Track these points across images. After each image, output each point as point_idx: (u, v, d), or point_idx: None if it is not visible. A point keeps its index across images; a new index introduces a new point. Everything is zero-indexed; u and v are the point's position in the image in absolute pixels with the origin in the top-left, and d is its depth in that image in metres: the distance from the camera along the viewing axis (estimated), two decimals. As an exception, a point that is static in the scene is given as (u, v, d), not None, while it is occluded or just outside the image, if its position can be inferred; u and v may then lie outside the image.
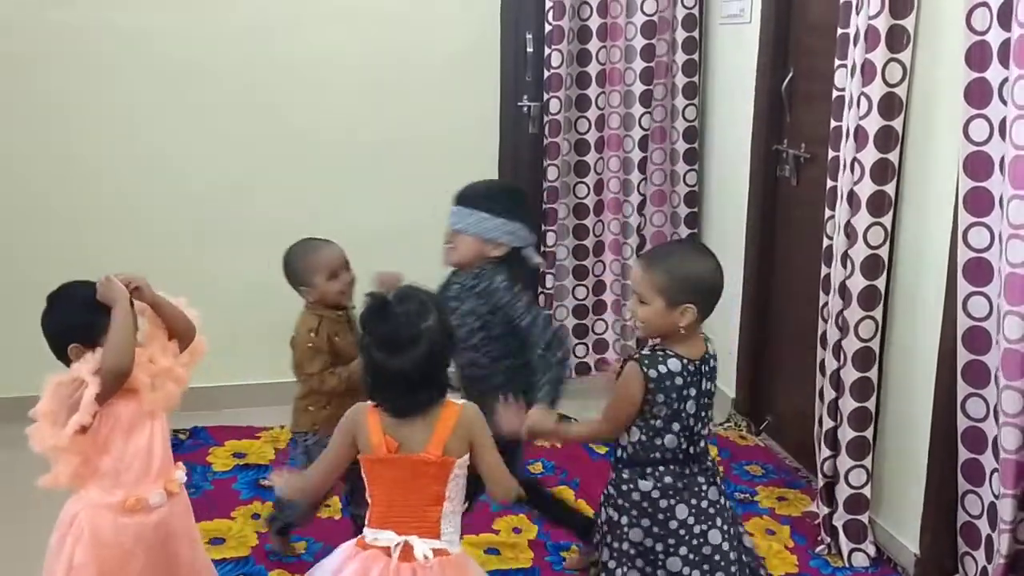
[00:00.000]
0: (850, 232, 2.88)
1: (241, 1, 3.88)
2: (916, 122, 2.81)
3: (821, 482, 3.08)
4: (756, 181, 3.80)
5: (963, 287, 2.49)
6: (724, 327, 4.10)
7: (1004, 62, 2.31)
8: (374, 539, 1.99)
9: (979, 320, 2.48)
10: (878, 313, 2.90)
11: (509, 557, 3.00)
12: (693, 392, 2.24)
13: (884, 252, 2.87)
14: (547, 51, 4.02)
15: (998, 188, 2.39)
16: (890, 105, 2.78)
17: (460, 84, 4.10)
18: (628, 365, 2.23)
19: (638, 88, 4.08)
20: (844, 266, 2.92)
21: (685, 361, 2.22)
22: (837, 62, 2.96)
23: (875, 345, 2.91)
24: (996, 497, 2.42)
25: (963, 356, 2.52)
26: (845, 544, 2.99)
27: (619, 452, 2.30)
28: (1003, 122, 2.32)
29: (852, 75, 2.84)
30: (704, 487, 2.28)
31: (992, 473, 2.47)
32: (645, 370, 2.18)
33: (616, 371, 2.32)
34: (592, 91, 4.11)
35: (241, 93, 3.93)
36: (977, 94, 2.40)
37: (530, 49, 4.15)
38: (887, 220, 2.85)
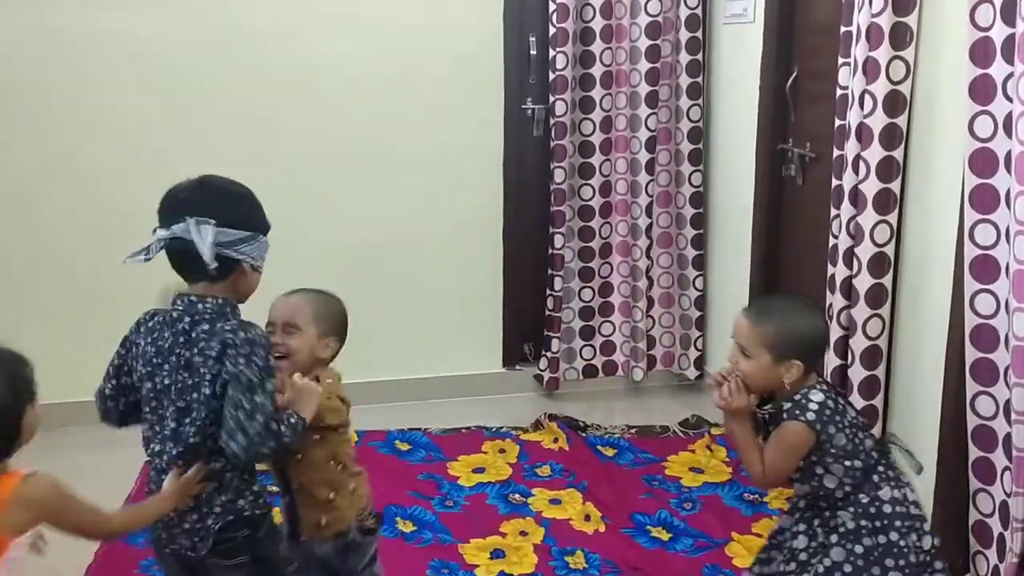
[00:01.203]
0: (856, 231, 2.88)
1: (244, 9, 3.89)
2: (920, 119, 2.80)
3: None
4: (761, 181, 3.79)
5: (970, 284, 2.48)
6: (731, 328, 4.09)
7: (1008, 58, 2.30)
8: None
9: (986, 318, 2.46)
10: (885, 311, 2.90)
11: (513, 561, 3.00)
12: (843, 400, 2.28)
13: (890, 250, 2.87)
14: (552, 53, 4.02)
15: (1004, 184, 2.38)
16: (894, 102, 2.78)
17: (464, 87, 4.11)
18: (784, 427, 2.17)
19: (644, 89, 4.08)
20: (850, 265, 2.91)
21: (819, 385, 2.24)
22: (840, 60, 2.95)
23: (882, 343, 2.91)
24: (1008, 495, 2.41)
25: (971, 354, 2.51)
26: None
27: (840, 492, 2.23)
28: (1008, 118, 2.31)
29: (855, 73, 2.84)
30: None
31: (1003, 471, 2.46)
32: (803, 418, 2.15)
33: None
34: (596, 93, 4.12)
35: (244, 101, 3.94)
36: (981, 90, 2.39)
37: (534, 52, 4.15)
38: (893, 218, 2.85)
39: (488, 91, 4.14)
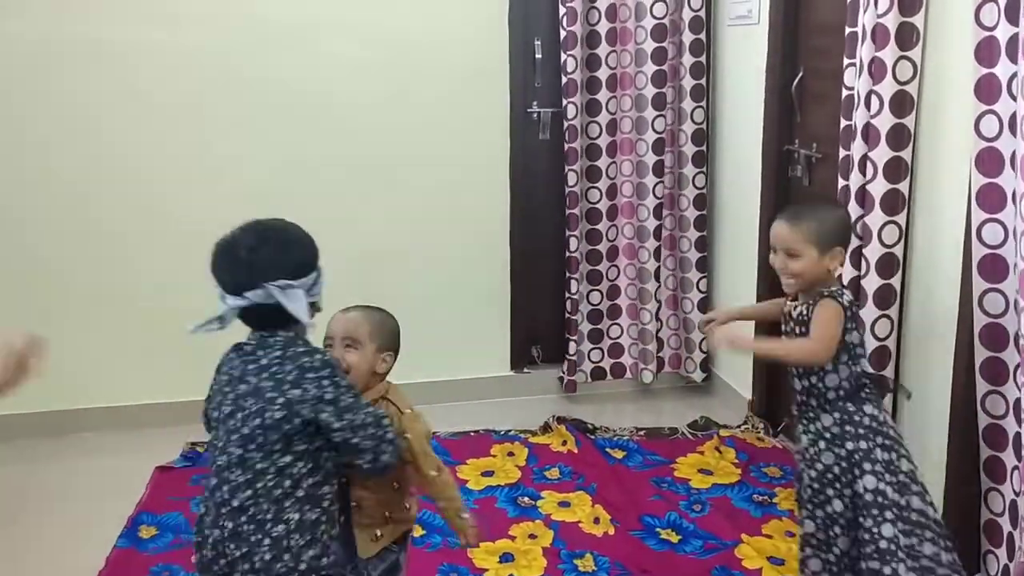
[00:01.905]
0: (864, 231, 2.88)
1: (251, 20, 3.90)
2: (928, 119, 2.81)
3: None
4: (768, 182, 3.80)
5: (978, 284, 2.48)
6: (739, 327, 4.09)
7: (1012, 57, 2.30)
8: None
9: (995, 317, 2.47)
10: (894, 312, 2.90)
11: (523, 564, 3.00)
12: (857, 323, 2.46)
13: (899, 250, 2.87)
14: (563, 57, 4.03)
15: (1010, 184, 2.38)
16: (901, 103, 2.78)
17: (470, 91, 4.12)
18: (823, 303, 2.36)
19: (650, 91, 4.09)
20: (858, 266, 2.91)
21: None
22: (846, 61, 2.95)
23: (892, 344, 2.91)
24: (1016, 495, 2.41)
25: (980, 353, 2.51)
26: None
27: (832, 394, 2.42)
28: (1012, 117, 2.32)
29: (861, 74, 2.84)
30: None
31: (1013, 470, 2.46)
32: (839, 299, 2.36)
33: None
34: (603, 96, 4.13)
35: (250, 111, 3.96)
36: (987, 90, 2.40)
37: (539, 55, 4.16)
38: (901, 218, 2.85)
39: (494, 95, 4.15)
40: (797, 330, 2.45)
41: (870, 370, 2.47)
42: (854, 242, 2.92)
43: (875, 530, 2.31)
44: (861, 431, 2.38)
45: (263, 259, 1.88)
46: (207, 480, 1.98)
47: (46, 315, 3.73)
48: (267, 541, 1.88)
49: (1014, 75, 2.30)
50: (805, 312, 2.42)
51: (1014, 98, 2.31)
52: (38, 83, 3.77)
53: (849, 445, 2.38)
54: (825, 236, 2.37)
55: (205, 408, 2.05)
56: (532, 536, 3.15)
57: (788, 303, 2.52)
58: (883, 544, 2.30)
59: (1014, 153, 2.32)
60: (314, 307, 1.97)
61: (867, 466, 2.35)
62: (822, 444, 2.42)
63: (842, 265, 2.44)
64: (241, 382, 1.92)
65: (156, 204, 3.91)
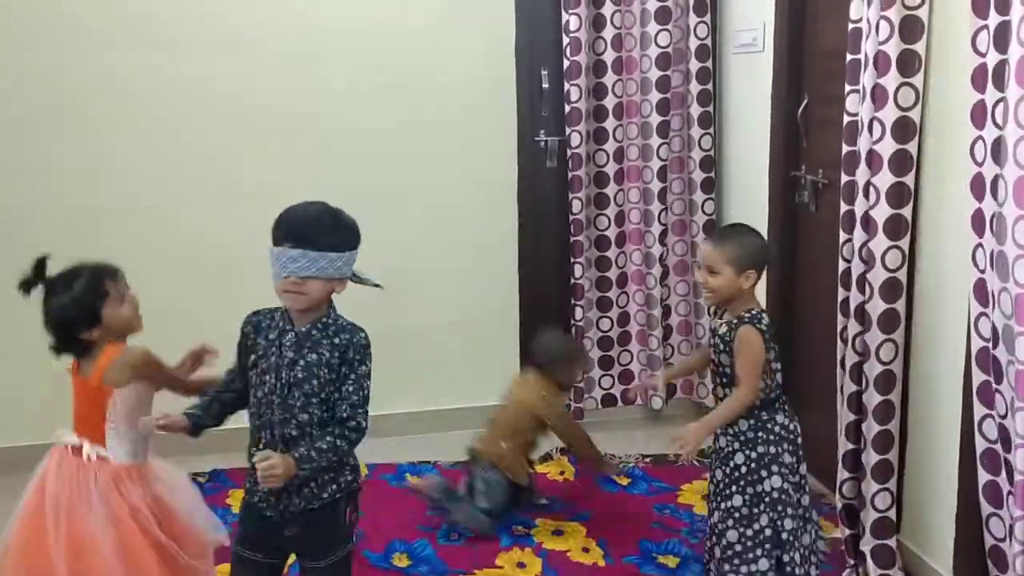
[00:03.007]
0: (867, 256, 2.89)
1: (256, 49, 3.95)
2: (931, 145, 2.82)
3: (839, 504, 3.07)
4: (775, 207, 3.81)
5: (974, 307, 2.49)
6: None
7: (997, 84, 2.32)
8: (57, 437, 2.49)
9: (987, 341, 2.47)
10: (899, 336, 2.90)
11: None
12: (773, 343, 2.73)
13: (903, 275, 2.87)
14: (566, 86, 4.07)
15: (989, 209, 2.39)
16: (904, 129, 2.80)
17: (478, 120, 4.16)
18: (743, 330, 2.65)
19: (655, 119, 4.12)
20: (862, 290, 2.92)
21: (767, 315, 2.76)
22: (848, 87, 2.98)
23: (897, 368, 2.91)
24: (1013, 519, 2.40)
25: (977, 377, 2.51)
26: (873, 569, 2.97)
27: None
28: (996, 142, 2.33)
29: (864, 100, 2.86)
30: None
31: (1008, 495, 2.44)
32: (760, 327, 2.65)
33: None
34: (610, 124, 4.16)
35: (254, 129, 4.00)
36: (979, 115, 2.41)
37: (546, 85, 4.20)
38: (904, 243, 2.86)
39: (501, 123, 4.19)
40: (721, 346, 2.72)
41: (779, 381, 2.75)
42: (859, 267, 2.93)
43: (778, 522, 2.65)
44: (772, 437, 2.68)
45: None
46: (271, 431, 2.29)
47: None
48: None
49: (997, 101, 2.31)
50: (727, 334, 2.69)
51: (996, 125, 2.32)
52: (44, 110, 3.83)
53: (760, 449, 2.67)
54: (742, 259, 2.66)
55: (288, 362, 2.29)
56: (521, 565, 3.16)
57: (713, 319, 2.85)
58: (784, 536, 2.65)
59: (995, 177, 2.34)
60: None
61: (775, 468, 2.66)
62: (736, 445, 2.70)
63: (755, 285, 2.72)
64: (313, 351, 2.28)
65: (163, 230, 3.95)
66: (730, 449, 2.71)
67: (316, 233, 2.26)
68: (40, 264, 2.42)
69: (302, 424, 2.23)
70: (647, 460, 3.91)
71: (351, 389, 2.24)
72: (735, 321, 2.68)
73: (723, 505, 2.71)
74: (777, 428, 2.69)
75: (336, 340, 2.26)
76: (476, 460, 3.47)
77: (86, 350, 2.44)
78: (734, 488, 2.69)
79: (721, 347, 2.72)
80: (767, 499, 2.65)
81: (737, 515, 2.67)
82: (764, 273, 2.77)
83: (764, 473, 2.66)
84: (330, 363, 2.23)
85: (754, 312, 2.69)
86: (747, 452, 2.68)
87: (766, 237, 3.83)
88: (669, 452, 2.70)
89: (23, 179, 3.85)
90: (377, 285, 2.43)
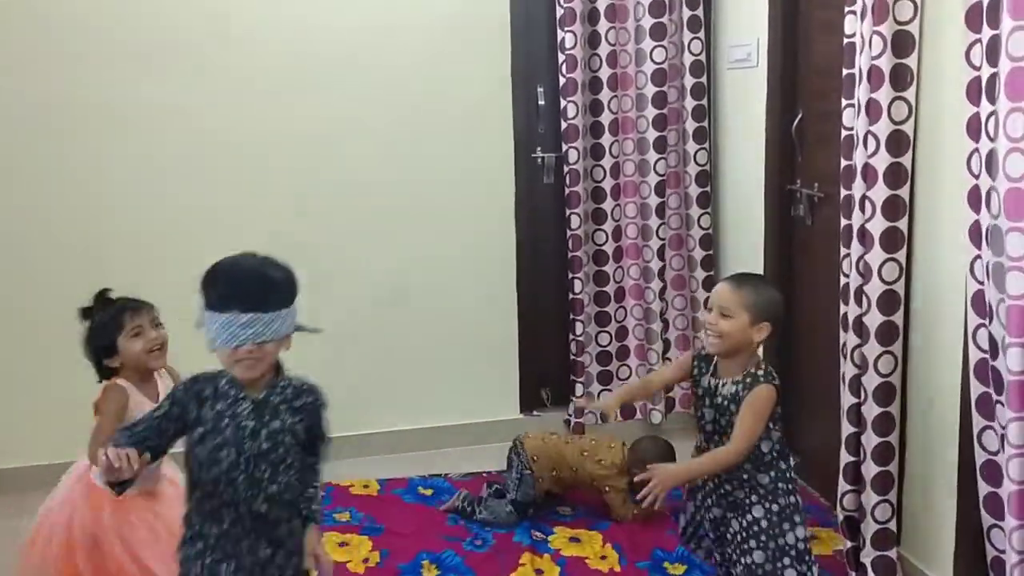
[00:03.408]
0: (864, 269, 2.91)
1: (255, 65, 3.97)
2: (925, 158, 2.84)
3: (841, 516, 3.08)
4: (771, 222, 3.84)
5: (972, 319, 2.51)
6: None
7: (990, 96, 2.35)
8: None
9: (985, 352, 2.48)
10: (897, 348, 2.92)
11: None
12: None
13: (900, 287, 2.89)
14: (563, 103, 4.10)
15: (985, 220, 2.41)
16: (898, 142, 2.82)
17: (475, 138, 4.19)
18: (764, 390, 2.49)
19: (652, 135, 4.14)
20: (860, 303, 2.94)
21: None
22: (844, 102, 3.00)
23: (896, 380, 2.92)
24: (1009, 529, 2.41)
25: (976, 388, 2.53)
26: (874, 581, 2.98)
27: (767, 457, 2.57)
28: (990, 155, 2.35)
29: (859, 114, 2.89)
30: None
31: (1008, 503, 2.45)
32: (776, 384, 2.52)
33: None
34: (606, 140, 4.19)
35: (256, 157, 4.02)
36: (975, 128, 2.44)
37: (542, 102, 4.23)
38: (901, 256, 2.88)
39: (498, 140, 4.21)
40: (726, 405, 2.55)
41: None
42: (856, 280, 2.95)
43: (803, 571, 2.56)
44: (792, 486, 2.59)
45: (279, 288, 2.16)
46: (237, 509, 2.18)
47: (51, 371, 3.77)
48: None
49: (991, 114, 2.34)
50: (739, 392, 2.52)
51: (990, 137, 2.35)
52: (42, 144, 3.84)
53: (781, 500, 2.56)
54: (759, 307, 2.52)
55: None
56: (539, 572, 3.18)
57: (710, 378, 2.62)
58: None
59: (990, 189, 2.36)
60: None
61: (797, 518, 2.58)
62: (754, 498, 2.57)
63: (762, 342, 2.56)
64: (275, 419, 2.18)
65: (163, 258, 3.94)
66: (748, 502, 2.58)
67: (266, 292, 2.03)
68: (101, 295, 2.66)
69: (272, 496, 2.09)
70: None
71: (314, 478, 2.23)
72: (748, 380, 2.52)
73: (744, 561, 2.58)
74: (791, 474, 2.61)
75: (296, 403, 2.14)
76: (519, 452, 3.54)
77: (112, 377, 2.65)
78: (754, 543, 2.56)
79: (727, 406, 2.56)
80: (792, 552, 2.54)
81: (760, 572, 2.55)
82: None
83: (787, 526, 2.56)
84: (294, 429, 2.12)
85: (768, 369, 2.54)
86: (767, 505, 2.56)
87: (762, 251, 3.88)
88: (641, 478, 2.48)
89: (20, 205, 3.87)
90: (316, 330, 2.18)
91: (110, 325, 2.61)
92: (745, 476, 2.57)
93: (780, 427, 2.59)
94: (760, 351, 2.61)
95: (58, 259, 3.88)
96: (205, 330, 2.04)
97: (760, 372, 2.53)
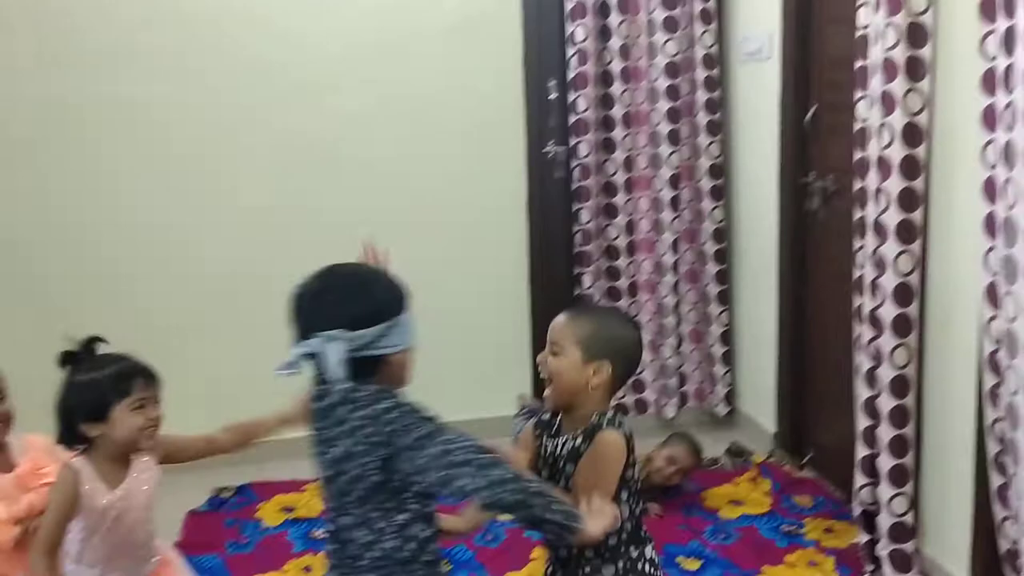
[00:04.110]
0: (879, 261, 2.90)
1: (263, 74, 3.98)
2: (940, 149, 2.83)
3: (857, 510, 3.07)
4: (785, 214, 3.82)
5: (986, 311, 2.50)
6: (760, 362, 4.11)
7: (1006, 87, 2.33)
8: None
9: (998, 343, 2.47)
10: (912, 340, 2.91)
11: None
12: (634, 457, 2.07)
13: (915, 279, 2.88)
14: (572, 96, 4.09)
15: (1002, 211, 2.40)
16: (912, 134, 2.81)
17: (485, 132, 4.18)
18: (607, 435, 1.98)
19: (664, 128, 4.13)
20: (874, 295, 2.93)
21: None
22: (858, 93, 2.99)
23: (911, 372, 2.91)
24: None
25: (988, 380, 2.52)
26: (890, 574, 2.97)
27: (614, 540, 2.01)
28: (1007, 145, 2.34)
29: (873, 106, 2.88)
30: None
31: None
32: (624, 431, 2.00)
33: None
34: (618, 133, 4.17)
35: (269, 162, 4.04)
36: (990, 119, 2.43)
37: (553, 95, 4.22)
38: (916, 247, 2.86)
39: (510, 136, 4.21)
40: (562, 467, 2.04)
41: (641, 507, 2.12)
42: (870, 272, 2.94)
43: None
44: None
45: (322, 310, 1.82)
46: (330, 527, 1.94)
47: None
48: None
49: (1008, 104, 2.33)
50: (578, 448, 2.02)
51: (1007, 127, 2.34)
52: (60, 142, 3.87)
53: None
54: (596, 343, 2.02)
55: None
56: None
57: (548, 441, 2.09)
58: None
59: (1005, 181, 2.35)
60: (385, 361, 1.84)
61: None
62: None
63: (605, 387, 2.03)
64: (334, 445, 1.85)
65: (177, 256, 3.99)
66: None
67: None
68: (90, 343, 2.18)
69: None
70: None
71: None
72: (589, 429, 2.00)
73: None
74: (648, 568, 2.06)
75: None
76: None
77: (82, 447, 2.17)
78: None
79: (562, 467, 2.04)
80: None
81: None
82: (625, 373, 2.09)
83: None
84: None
85: (610, 415, 2.01)
86: None
87: (776, 243, 3.87)
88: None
89: (29, 207, 3.90)
90: None
91: (112, 388, 2.12)
92: (587, 569, 2.03)
93: (634, 499, 2.05)
94: (609, 401, 2.07)
95: (59, 256, 3.91)
96: (397, 337, 1.87)
97: (602, 420, 2.00)
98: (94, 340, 2.18)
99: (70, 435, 2.15)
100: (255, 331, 4.06)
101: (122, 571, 2.22)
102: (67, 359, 2.16)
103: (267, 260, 4.05)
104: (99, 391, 2.12)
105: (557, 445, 2.06)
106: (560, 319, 2.11)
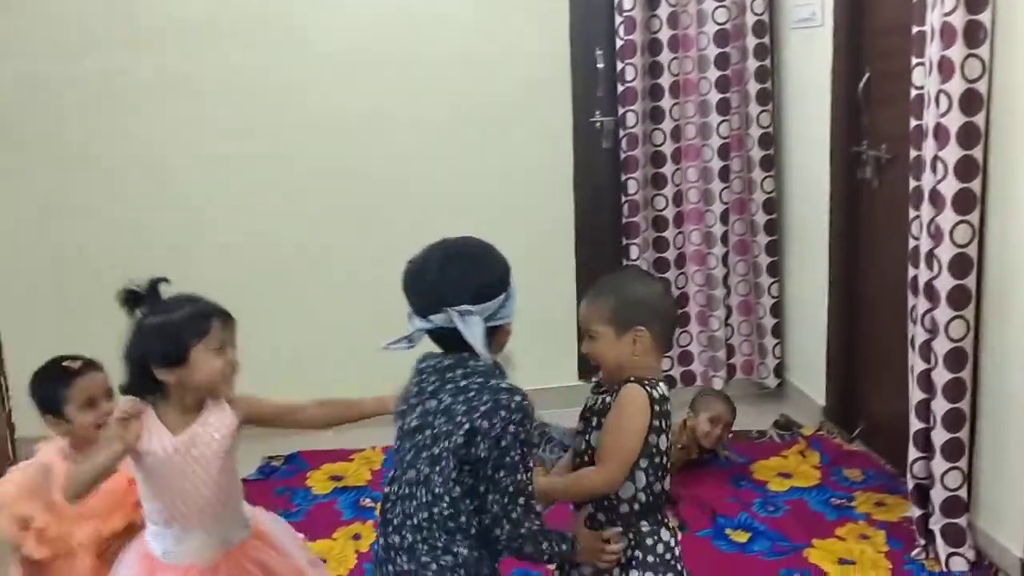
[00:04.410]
0: (935, 232, 2.85)
1: (310, 46, 4.00)
2: (998, 117, 2.76)
3: (911, 484, 3.04)
4: (837, 184, 3.77)
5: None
6: (810, 334, 4.06)
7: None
8: None
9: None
10: (969, 313, 2.85)
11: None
12: (666, 425, 2.02)
13: (972, 250, 2.82)
14: (620, 65, 4.05)
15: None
16: (971, 101, 2.74)
17: (532, 102, 4.16)
18: (627, 388, 1.97)
19: (714, 97, 4.08)
20: (931, 266, 2.88)
21: (666, 390, 2.02)
22: (914, 60, 2.93)
23: (967, 345, 2.86)
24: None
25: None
26: (943, 548, 2.94)
27: (626, 508, 2.00)
28: None
29: (930, 72, 2.81)
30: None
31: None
32: (648, 390, 1.96)
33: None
34: (666, 103, 4.13)
35: (315, 130, 4.06)
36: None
37: (600, 64, 4.18)
38: (974, 218, 2.80)
39: (556, 106, 4.19)
40: (593, 423, 2.06)
41: (666, 488, 2.05)
42: (927, 243, 2.88)
43: None
44: (651, 560, 1.99)
45: (447, 282, 1.86)
46: (393, 485, 1.95)
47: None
48: (434, 567, 1.86)
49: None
50: (609, 404, 2.02)
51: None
52: (99, 111, 3.93)
53: (635, 573, 1.99)
54: (622, 314, 2.01)
55: (400, 411, 1.98)
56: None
57: (594, 393, 2.12)
58: None
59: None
60: (501, 331, 1.92)
61: None
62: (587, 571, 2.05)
63: (652, 351, 2.02)
64: (433, 397, 1.88)
65: (217, 227, 4.04)
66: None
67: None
68: (155, 284, 2.05)
69: None
70: (729, 435, 3.79)
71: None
72: (617, 388, 2.00)
73: None
74: (660, 548, 2.00)
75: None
76: None
77: (156, 391, 2.05)
78: None
79: (596, 423, 2.05)
80: None
81: None
82: (659, 331, 2.04)
83: None
84: None
85: (644, 379, 1.99)
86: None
87: (827, 214, 3.81)
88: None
89: (79, 182, 3.97)
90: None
91: (190, 328, 1.99)
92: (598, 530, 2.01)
93: (657, 473, 1.99)
94: (659, 361, 2.06)
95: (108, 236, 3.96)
96: (512, 306, 1.96)
97: (632, 377, 2.00)
98: (158, 281, 2.05)
99: (141, 382, 2.02)
100: (307, 305, 4.11)
101: (204, 534, 2.10)
102: (132, 300, 2.03)
103: (314, 230, 4.08)
104: (176, 332, 1.98)
105: (598, 400, 2.08)
106: (583, 304, 2.10)
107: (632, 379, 1.99)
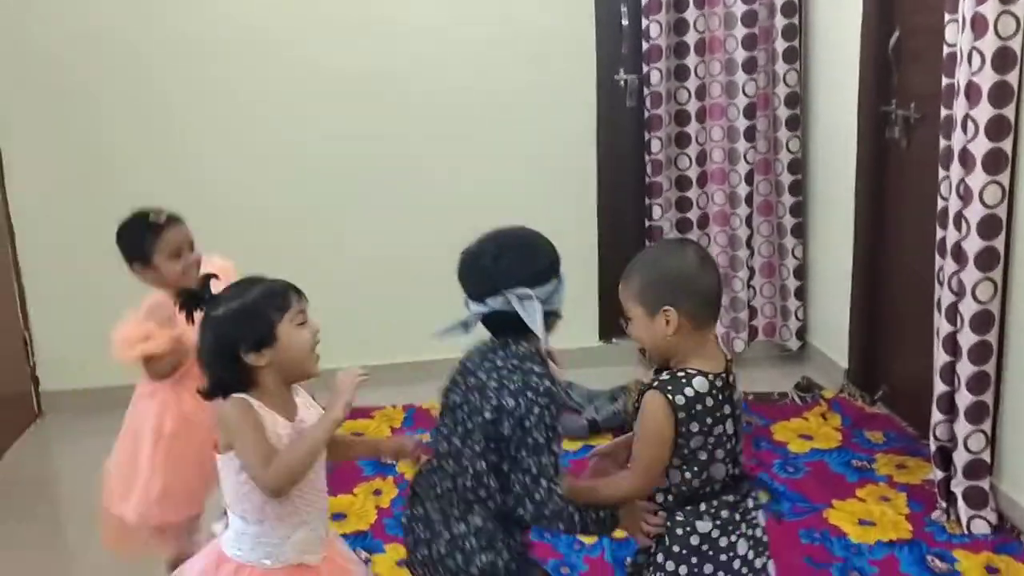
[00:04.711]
0: (964, 192, 2.80)
1: (327, 9, 3.98)
2: (1033, 75, 2.71)
3: (933, 446, 3.02)
4: (864, 144, 3.71)
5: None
6: (834, 297, 4.03)
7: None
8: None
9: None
10: (997, 275, 2.81)
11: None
12: (728, 410, 1.91)
13: (1002, 211, 2.78)
14: (645, 23, 3.99)
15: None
16: (1004, 59, 2.68)
17: (555, 59, 4.12)
18: (647, 397, 1.89)
19: (740, 55, 4.02)
20: (959, 228, 2.84)
21: (711, 377, 1.88)
22: (947, 16, 2.86)
23: (994, 308, 2.82)
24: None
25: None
26: (964, 511, 2.93)
27: (661, 497, 1.95)
28: None
29: (963, 30, 2.75)
30: (754, 513, 1.99)
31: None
32: (670, 397, 1.85)
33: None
34: (691, 60, 4.07)
35: (344, 90, 4.04)
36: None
37: (625, 21, 4.13)
38: (1004, 178, 2.75)
39: (580, 63, 4.14)
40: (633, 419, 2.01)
41: (720, 476, 1.94)
42: (955, 204, 2.84)
43: None
44: (676, 550, 1.91)
45: (504, 267, 1.92)
46: (429, 461, 2.04)
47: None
48: (447, 535, 1.94)
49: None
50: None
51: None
52: (125, 81, 3.94)
53: (660, 557, 1.93)
54: (649, 293, 1.90)
55: (444, 388, 2.04)
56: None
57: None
58: None
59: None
60: (554, 315, 1.99)
61: None
62: (640, 557, 2.02)
63: (686, 331, 1.88)
64: (473, 375, 1.95)
65: (236, 201, 4.02)
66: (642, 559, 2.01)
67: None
68: (205, 280, 1.95)
69: None
70: (749, 397, 3.80)
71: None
72: (647, 386, 1.92)
73: None
74: (694, 540, 1.91)
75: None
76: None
77: (247, 384, 1.89)
78: None
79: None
80: None
81: None
82: (696, 309, 1.89)
83: None
84: None
85: (678, 375, 1.88)
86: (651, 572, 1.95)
87: (853, 174, 3.76)
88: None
89: (114, 140, 3.96)
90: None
91: (271, 305, 1.88)
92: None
93: (687, 468, 1.90)
94: (697, 341, 1.91)
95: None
96: (563, 292, 2.00)
97: (656, 381, 1.90)
98: (208, 277, 1.96)
99: (230, 376, 1.87)
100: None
101: (309, 528, 1.95)
102: (190, 302, 1.92)
103: (342, 194, 4.06)
104: (258, 311, 1.86)
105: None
106: (620, 286, 1.99)
107: (656, 383, 1.88)
